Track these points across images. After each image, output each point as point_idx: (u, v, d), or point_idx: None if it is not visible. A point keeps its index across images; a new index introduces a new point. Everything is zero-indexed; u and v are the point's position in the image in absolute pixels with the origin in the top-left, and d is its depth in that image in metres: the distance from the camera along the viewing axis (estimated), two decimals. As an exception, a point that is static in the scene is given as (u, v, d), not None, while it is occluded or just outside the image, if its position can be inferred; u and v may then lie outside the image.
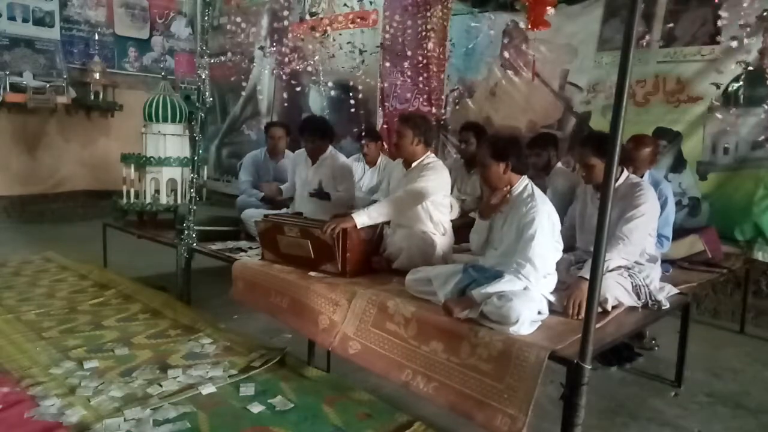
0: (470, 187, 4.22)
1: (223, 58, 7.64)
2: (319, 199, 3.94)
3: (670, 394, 3.08)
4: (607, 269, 2.67)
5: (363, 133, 4.98)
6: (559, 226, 2.67)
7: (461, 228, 3.50)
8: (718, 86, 4.15)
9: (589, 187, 3.08)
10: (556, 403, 2.20)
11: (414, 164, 3.34)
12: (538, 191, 2.66)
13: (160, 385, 2.82)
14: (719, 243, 3.88)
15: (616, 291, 2.71)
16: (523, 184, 2.68)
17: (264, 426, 2.51)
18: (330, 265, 3.16)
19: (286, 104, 7.25)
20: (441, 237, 3.30)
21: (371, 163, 4.84)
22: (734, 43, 4.05)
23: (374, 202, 4.25)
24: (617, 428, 2.70)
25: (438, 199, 3.29)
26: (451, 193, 4.08)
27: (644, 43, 4.40)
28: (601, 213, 2.00)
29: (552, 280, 2.62)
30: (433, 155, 3.42)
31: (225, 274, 3.62)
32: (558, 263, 2.69)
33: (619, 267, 2.79)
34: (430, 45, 5.43)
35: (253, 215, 4.20)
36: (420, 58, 5.51)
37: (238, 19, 7.22)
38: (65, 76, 7.37)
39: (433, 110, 5.62)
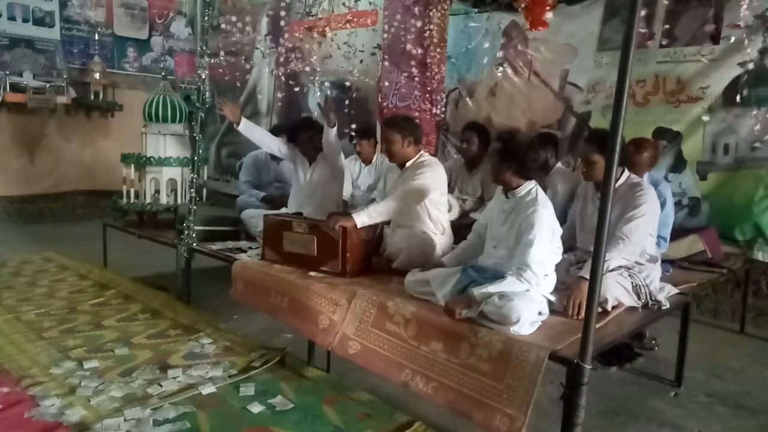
0: (471, 187, 4.21)
1: (222, 58, 7.64)
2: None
3: (670, 394, 3.08)
4: (608, 269, 2.67)
5: (354, 132, 4.97)
6: (559, 231, 2.66)
7: (461, 228, 3.49)
8: (717, 87, 4.15)
9: (590, 186, 3.08)
10: (556, 403, 2.20)
11: (408, 164, 3.33)
12: (541, 195, 2.64)
13: (160, 385, 2.82)
14: (719, 243, 3.88)
15: (616, 291, 2.71)
16: (528, 187, 2.67)
17: (264, 426, 2.51)
18: (330, 265, 3.17)
19: (280, 104, 7.24)
20: (440, 237, 3.30)
21: (367, 161, 4.83)
22: (734, 43, 4.05)
23: (373, 200, 4.26)
24: (617, 428, 2.70)
25: (435, 197, 3.28)
26: (452, 193, 4.08)
27: (645, 43, 4.40)
28: (601, 213, 2.00)
29: (551, 280, 2.62)
30: (426, 154, 3.41)
31: (225, 274, 3.62)
32: (558, 263, 2.69)
33: (620, 267, 2.79)
34: (430, 45, 5.43)
35: (253, 215, 4.21)
36: (420, 58, 5.51)
37: (238, 19, 7.21)
38: (65, 76, 7.37)
39: (433, 110, 5.61)
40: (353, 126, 5.63)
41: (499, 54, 5.33)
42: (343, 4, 5.94)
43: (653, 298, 2.79)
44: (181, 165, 4.97)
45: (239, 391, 2.81)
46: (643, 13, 4.06)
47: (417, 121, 3.63)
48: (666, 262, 3.42)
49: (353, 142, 4.85)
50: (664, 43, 4.39)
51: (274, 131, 5.03)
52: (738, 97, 4.05)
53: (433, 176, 3.26)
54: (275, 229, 3.40)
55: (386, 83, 5.78)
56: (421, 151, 3.38)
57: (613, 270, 2.74)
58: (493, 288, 2.43)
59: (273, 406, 2.67)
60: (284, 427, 2.49)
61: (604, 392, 2.98)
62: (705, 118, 4.14)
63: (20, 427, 2.43)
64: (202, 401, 2.70)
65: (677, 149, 4.36)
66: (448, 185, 3.65)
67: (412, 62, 5.55)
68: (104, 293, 4.34)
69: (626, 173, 2.97)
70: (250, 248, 3.94)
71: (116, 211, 5.15)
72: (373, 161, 4.85)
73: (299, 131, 3.98)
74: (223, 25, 7.24)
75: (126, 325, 3.70)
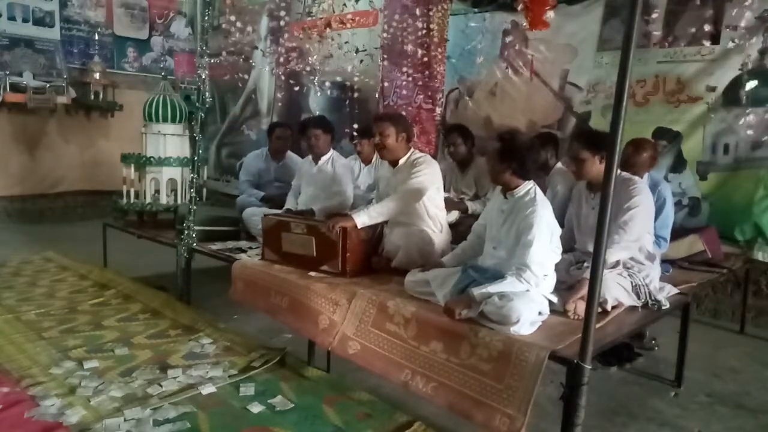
0: (465, 186, 4.23)
1: (222, 58, 7.64)
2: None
3: (670, 394, 3.08)
4: (609, 264, 2.67)
5: (355, 133, 4.97)
6: (558, 231, 2.65)
7: (462, 220, 3.50)
8: (715, 88, 4.14)
9: (583, 188, 3.08)
10: (556, 403, 2.20)
11: (401, 161, 3.31)
12: (540, 196, 2.64)
13: (160, 385, 2.82)
14: (719, 243, 3.88)
15: (616, 291, 2.72)
16: (527, 187, 2.66)
17: (264, 426, 2.51)
18: (330, 265, 3.17)
19: (280, 104, 7.25)
20: (438, 234, 3.30)
21: (366, 161, 4.83)
22: (734, 43, 4.05)
23: (373, 200, 4.27)
24: (617, 428, 2.70)
25: (432, 193, 3.28)
26: (448, 192, 4.09)
27: (644, 43, 4.40)
28: (601, 213, 2.00)
29: (551, 280, 2.62)
30: (418, 151, 3.41)
31: (225, 274, 3.62)
32: (558, 263, 2.69)
33: (619, 263, 2.79)
34: (430, 45, 5.43)
35: (253, 215, 4.21)
36: (419, 58, 5.51)
37: (238, 19, 7.21)
38: (65, 76, 7.36)
39: (434, 110, 5.61)
40: (354, 126, 5.63)
41: (499, 54, 5.33)
42: (344, 4, 5.94)
43: (653, 298, 2.79)
44: (181, 165, 4.96)
45: (239, 391, 2.81)
46: (642, 13, 4.06)
47: (407, 118, 3.65)
48: (666, 262, 3.42)
49: (353, 142, 4.85)
50: (664, 40, 4.39)
51: (273, 128, 5.06)
52: (738, 97, 4.05)
53: (431, 173, 3.25)
54: (274, 230, 3.40)
55: (386, 83, 5.77)
56: (412, 148, 3.37)
57: (613, 267, 2.75)
58: (493, 288, 2.43)
59: (273, 406, 2.67)
60: (284, 427, 2.49)
61: (604, 392, 2.98)
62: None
63: (20, 427, 2.43)
64: (202, 401, 2.70)
65: (677, 149, 4.36)
66: (444, 187, 3.65)
67: (412, 62, 5.55)
68: (104, 293, 4.34)
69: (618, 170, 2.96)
70: (250, 248, 3.94)
71: (116, 211, 5.14)
72: (372, 161, 4.85)
73: (310, 125, 4.04)
74: (223, 25, 7.25)
75: (126, 325, 3.70)
